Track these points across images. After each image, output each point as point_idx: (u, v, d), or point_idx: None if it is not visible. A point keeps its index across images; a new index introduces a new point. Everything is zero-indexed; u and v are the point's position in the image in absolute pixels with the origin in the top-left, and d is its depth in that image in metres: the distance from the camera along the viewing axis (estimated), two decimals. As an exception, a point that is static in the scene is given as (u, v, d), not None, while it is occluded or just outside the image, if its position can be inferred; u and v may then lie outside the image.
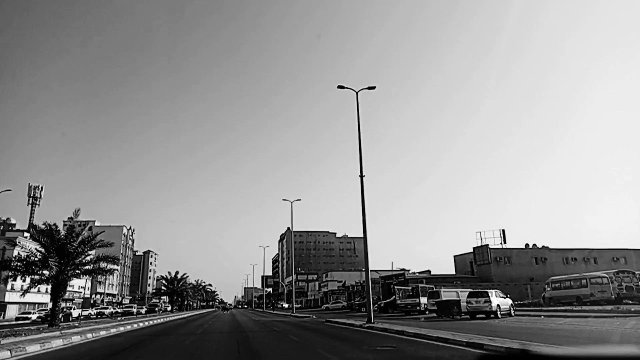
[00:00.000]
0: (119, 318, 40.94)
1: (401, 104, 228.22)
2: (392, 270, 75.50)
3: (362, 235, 22.90)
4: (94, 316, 53.77)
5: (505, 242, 59.68)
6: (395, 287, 41.90)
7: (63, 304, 70.92)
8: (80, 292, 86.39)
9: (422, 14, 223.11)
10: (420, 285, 38.97)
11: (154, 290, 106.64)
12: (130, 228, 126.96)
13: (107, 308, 61.28)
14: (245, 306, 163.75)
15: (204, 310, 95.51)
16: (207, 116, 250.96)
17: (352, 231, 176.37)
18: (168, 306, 79.45)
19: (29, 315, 42.35)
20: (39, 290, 60.35)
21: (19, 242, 32.93)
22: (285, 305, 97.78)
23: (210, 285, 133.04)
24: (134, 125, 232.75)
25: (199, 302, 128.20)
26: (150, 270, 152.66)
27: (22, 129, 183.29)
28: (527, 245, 63.76)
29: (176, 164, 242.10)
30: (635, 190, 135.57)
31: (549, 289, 40.94)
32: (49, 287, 24.87)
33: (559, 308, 32.07)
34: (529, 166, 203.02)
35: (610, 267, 52.69)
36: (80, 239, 23.67)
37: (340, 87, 24.56)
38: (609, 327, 16.56)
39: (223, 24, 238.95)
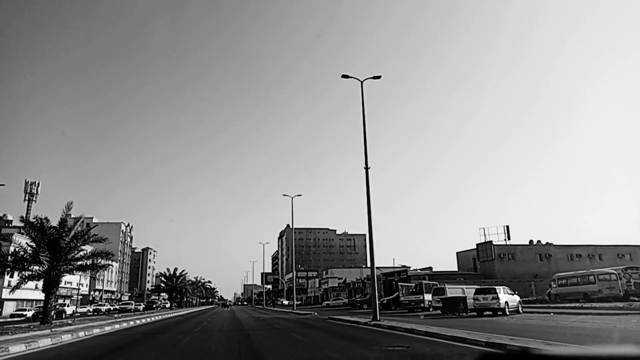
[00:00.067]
0: (115, 315, 40.08)
1: (401, 102, 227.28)
2: (393, 267, 74.72)
3: (362, 232, 22.32)
4: (91, 313, 52.94)
5: (509, 239, 58.95)
6: (399, 283, 41.03)
7: (60, 301, 70.49)
8: (79, 289, 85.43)
9: (422, 13, 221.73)
10: (424, 281, 38.08)
11: (153, 287, 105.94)
12: (128, 225, 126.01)
13: (104, 305, 60.34)
14: (245, 303, 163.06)
15: (204, 307, 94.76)
16: (206, 116, 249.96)
17: (352, 228, 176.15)
18: (167, 303, 78.70)
19: (24, 313, 41.45)
20: (36, 287, 59.38)
21: (14, 239, 32.00)
22: (285, 302, 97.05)
23: (209, 282, 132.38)
24: (134, 124, 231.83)
25: (198, 299, 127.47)
26: (150, 267, 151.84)
27: (22, 128, 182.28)
28: (531, 241, 62.91)
29: (176, 163, 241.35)
30: (635, 190, 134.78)
31: (554, 285, 40.20)
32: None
33: (567, 305, 31.28)
34: (529, 165, 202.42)
35: (615, 264, 51.95)
36: (72, 233, 22.69)
37: (344, 76, 23.64)
38: (627, 325, 15.75)
39: (223, 24, 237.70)
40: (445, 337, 12.45)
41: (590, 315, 21.69)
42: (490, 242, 59.07)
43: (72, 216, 24.79)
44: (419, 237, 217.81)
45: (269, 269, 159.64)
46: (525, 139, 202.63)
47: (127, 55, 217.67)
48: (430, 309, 33.91)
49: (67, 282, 74.58)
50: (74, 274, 25.64)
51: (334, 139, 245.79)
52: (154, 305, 69.25)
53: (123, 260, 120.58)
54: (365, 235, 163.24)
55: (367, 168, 22.33)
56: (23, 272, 21.69)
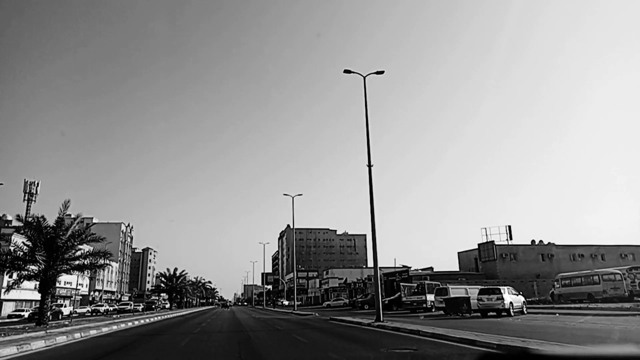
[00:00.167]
0: (114, 316, 39.62)
1: (401, 103, 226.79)
2: (394, 267, 74.24)
3: (362, 233, 21.78)
4: (89, 314, 52.39)
5: (511, 239, 58.54)
6: (401, 283, 40.56)
7: (60, 301, 69.96)
8: (79, 289, 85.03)
9: (423, 13, 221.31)
10: (426, 282, 37.60)
11: (153, 288, 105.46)
12: (128, 225, 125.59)
13: (102, 305, 59.83)
14: (245, 303, 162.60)
15: (204, 308, 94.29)
16: (206, 116, 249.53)
17: (353, 228, 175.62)
18: (166, 304, 78.23)
19: (22, 313, 40.95)
20: (35, 287, 58.94)
21: (13, 239, 31.51)
22: (286, 303, 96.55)
23: (209, 282, 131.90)
24: (134, 124, 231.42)
25: (198, 300, 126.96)
26: (150, 268, 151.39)
27: (22, 128, 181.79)
28: (533, 241, 62.46)
29: (176, 163, 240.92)
30: (635, 190, 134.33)
31: (558, 285, 39.80)
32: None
33: (572, 306, 30.83)
34: (529, 165, 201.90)
35: (618, 264, 51.53)
36: (70, 232, 22.20)
37: (347, 71, 23.17)
38: (638, 327, 15.35)
39: (223, 24, 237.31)
40: (454, 339, 11.99)
41: (598, 316, 21.27)
42: (492, 242, 58.66)
43: (72, 216, 24.30)
44: (419, 238, 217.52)
45: (269, 269, 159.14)
46: (526, 138, 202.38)
47: (127, 55, 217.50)
48: (433, 310, 33.47)
49: (67, 283, 74.16)
50: (71, 274, 25.18)
51: (333, 139, 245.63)
52: (153, 306, 68.78)
53: (123, 260, 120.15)
54: (365, 235, 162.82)
55: (370, 166, 21.89)
56: (19, 272, 21.17)
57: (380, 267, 69.75)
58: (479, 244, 60.75)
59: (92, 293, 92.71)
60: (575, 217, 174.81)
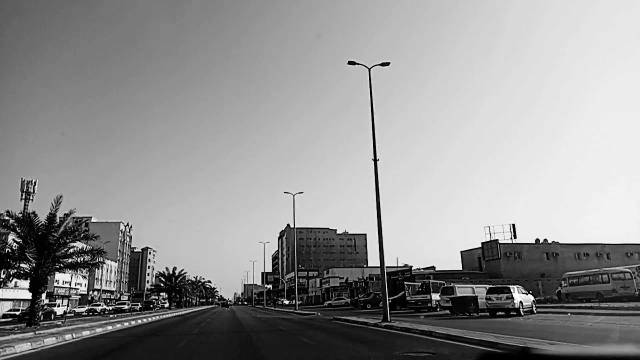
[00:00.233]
0: (110, 316, 38.73)
1: (401, 102, 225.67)
2: (396, 267, 73.40)
3: (363, 232, 20.86)
4: (85, 314, 51.44)
5: (515, 237, 57.66)
6: (405, 282, 39.66)
7: (58, 301, 68.98)
8: (77, 289, 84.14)
9: (423, 12, 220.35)
10: (431, 280, 36.73)
11: (152, 287, 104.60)
12: (127, 224, 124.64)
13: (99, 305, 58.85)
14: (245, 303, 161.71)
15: (203, 307, 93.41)
16: (206, 115, 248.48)
17: (353, 228, 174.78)
18: (165, 303, 77.31)
19: (16, 313, 40.00)
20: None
21: (9, 239, 30.51)
22: (286, 302, 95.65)
23: (209, 281, 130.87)
24: (134, 124, 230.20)
25: (198, 299, 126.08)
26: (149, 267, 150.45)
27: (22, 128, 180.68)
28: (537, 240, 61.63)
29: (176, 163, 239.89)
30: (635, 190, 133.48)
31: (565, 284, 39.05)
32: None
33: (582, 305, 30.03)
34: (529, 165, 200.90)
35: (624, 263, 50.81)
36: (62, 229, 21.28)
37: (351, 62, 22.24)
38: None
39: (223, 24, 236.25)
40: (471, 340, 11.07)
41: (613, 316, 20.42)
42: (496, 240, 57.84)
43: (65, 212, 23.37)
44: (419, 237, 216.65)
45: (269, 269, 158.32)
46: (526, 138, 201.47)
47: (127, 55, 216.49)
48: (438, 309, 32.68)
49: (66, 282, 73.29)
50: (64, 272, 24.21)
51: (333, 138, 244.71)
52: (152, 305, 67.82)
53: (122, 260, 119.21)
54: (365, 235, 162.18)
55: (375, 160, 21.00)
56: (7, 271, 20.18)
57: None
58: (482, 243, 59.94)
59: (91, 292, 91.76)
60: (575, 217, 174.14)
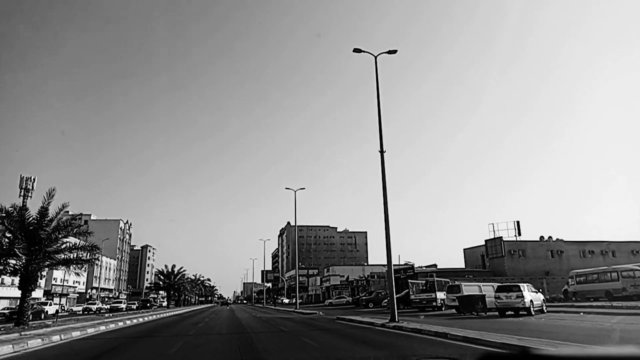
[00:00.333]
0: (106, 315, 37.75)
1: (401, 100, 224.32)
2: (398, 265, 72.47)
3: (363, 230, 20.08)
4: (80, 312, 50.41)
5: (520, 235, 56.77)
6: (409, 281, 38.68)
7: (56, 299, 67.99)
8: (75, 287, 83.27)
9: (425, 9, 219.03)
10: (436, 279, 35.76)
11: (151, 285, 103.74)
12: (127, 222, 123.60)
13: (94, 303, 57.79)
14: (245, 301, 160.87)
15: (203, 306, 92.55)
16: (205, 113, 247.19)
17: (353, 226, 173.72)
18: (164, 301, 76.35)
19: (6, 312, 38.90)
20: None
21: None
22: (286, 301, 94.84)
23: (209, 280, 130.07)
24: (133, 121, 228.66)
25: (197, 298, 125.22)
26: (148, 265, 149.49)
27: (21, 125, 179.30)
28: (542, 237, 60.67)
29: (176, 160, 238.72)
30: (635, 190, 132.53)
31: (572, 282, 38.18)
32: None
33: (594, 304, 29.16)
34: (528, 164, 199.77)
35: (629, 260, 49.98)
36: (54, 223, 20.26)
37: (357, 50, 21.22)
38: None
39: (223, 19, 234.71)
40: (494, 344, 10.05)
41: (631, 316, 19.52)
42: (500, 238, 56.99)
43: (67, 210, 22.31)
44: (419, 235, 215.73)
45: (269, 267, 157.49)
46: (528, 135, 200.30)
47: (126, 52, 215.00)
48: (443, 309, 31.78)
49: (64, 280, 72.30)
50: (57, 269, 23.17)
51: (333, 136, 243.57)
52: (149, 304, 66.75)
53: (121, 257, 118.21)
54: (366, 232, 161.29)
55: (382, 152, 20.03)
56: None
57: (383, 265, 67.78)
58: (486, 240, 59.11)
59: (89, 291, 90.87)
60: (575, 215, 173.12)
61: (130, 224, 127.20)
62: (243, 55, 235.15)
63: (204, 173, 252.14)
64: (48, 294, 67.76)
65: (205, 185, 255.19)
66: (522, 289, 23.30)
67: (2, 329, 17.19)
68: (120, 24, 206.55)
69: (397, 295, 40.08)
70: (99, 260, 28.01)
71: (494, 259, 57.75)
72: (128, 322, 24.85)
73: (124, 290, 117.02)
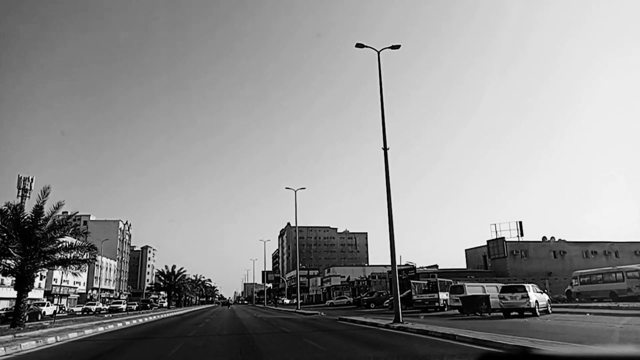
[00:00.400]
0: (105, 316, 37.36)
1: (400, 99, 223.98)
2: (400, 265, 72.09)
3: (364, 231, 19.55)
4: (80, 313, 49.99)
5: (522, 235, 56.41)
6: (411, 281, 38.30)
7: (57, 300, 67.51)
8: (76, 288, 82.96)
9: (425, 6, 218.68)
10: (438, 279, 35.40)
11: (152, 286, 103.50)
12: (126, 223, 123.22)
13: (94, 304, 57.38)
14: (246, 302, 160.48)
15: (203, 306, 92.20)
16: (205, 114, 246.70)
17: (353, 227, 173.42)
18: (164, 302, 75.92)
19: (2, 313, 38.42)
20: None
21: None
22: (287, 301, 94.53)
23: (209, 280, 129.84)
24: (133, 121, 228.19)
25: (198, 298, 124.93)
26: (149, 266, 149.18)
27: (20, 125, 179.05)
28: (544, 238, 60.31)
29: (175, 160, 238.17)
30: (635, 190, 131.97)
31: (576, 283, 37.81)
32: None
33: (599, 305, 28.73)
34: (526, 166, 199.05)
35: (633, 261, 49.62)
36: (50, 222, 19.87)
37: (359, 45, 20.84)
38: None
39: (223, 19, 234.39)
40: (505, 346, 9.64)
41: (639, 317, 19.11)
42: (503, 238, 56.66)
43: (63, 209, 21.90)
44: (419, 236, 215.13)
45: (269, 267, 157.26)
46: (527, 135, 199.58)
47: (126, 52, 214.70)
48: (445, 309, 31.43)
49: (64, 281, 71.94)
50: (54, 269, 22.76)
51: (333, 137, 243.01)
52: (149, 305, 66.33)
53: (122, 258, 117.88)
54: (366, 233, 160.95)
55: (385, 149, 19.62)
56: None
57: (384, 265, 67.14)
58: (488, 241, 58.81)
59: (89, 291, 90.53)
60: (574, 216, 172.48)
61: (130, 225, 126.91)
62: (243, 55, 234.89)
63: (204, 173, 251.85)
64: (48, 294, 67.41)
65: (205, 185, 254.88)
66: (527, 289, 22.97)
67: (-1, 330, 16.82)
68: (120, 23, 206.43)
69: (400, 296, 39.94)
70: (96, 260, 27.53)
71: (496, 259, 57.43)
72: (127, 322, 24.48)
73: (124, 291, 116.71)
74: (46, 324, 21.67)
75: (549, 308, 25.13)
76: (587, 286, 36.51)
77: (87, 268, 34.70)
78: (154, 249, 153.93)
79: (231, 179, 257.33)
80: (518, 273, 53.02)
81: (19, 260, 18.79)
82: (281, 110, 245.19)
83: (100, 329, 19.16)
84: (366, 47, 20.94)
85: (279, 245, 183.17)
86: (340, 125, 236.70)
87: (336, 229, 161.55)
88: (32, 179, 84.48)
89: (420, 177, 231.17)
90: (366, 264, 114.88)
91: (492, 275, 54.13)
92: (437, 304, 32.44)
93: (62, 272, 23.87)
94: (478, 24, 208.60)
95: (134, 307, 59.96)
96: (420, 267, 65.24)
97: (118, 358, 10.96)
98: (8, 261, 18.88)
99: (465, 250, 67.02)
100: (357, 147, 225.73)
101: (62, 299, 76.54)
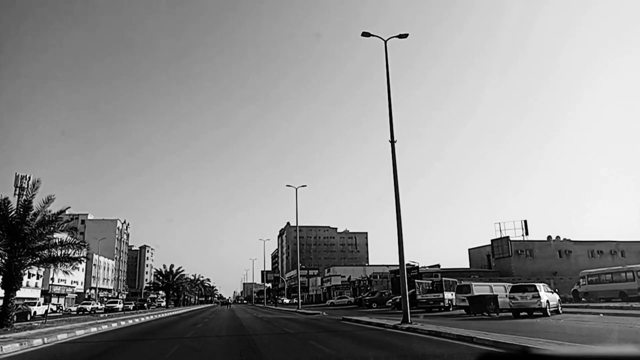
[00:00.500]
0: (100, 315, 36.42)
1: (400, 98, 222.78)
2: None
3: (364, 231, 18.66)
4: (75, 313, 49.06)
5: (527, 234, 55.67)
6: (415, 280, 37.43)
7: (60, 300, 66.42)
8: (74, 287, 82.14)
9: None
10: (443, 278, 34.54)
11: (150, 285, 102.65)
12: (124, 222, 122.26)
13: (89, 303, 56.40)
14: (245, 301, 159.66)
15: (202, 306, 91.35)
16: (204, 111, 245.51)
17: (353, 226, 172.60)
18: (162, 302, 74.96)
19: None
20: (27, 285, 55.68)
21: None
22: (286, 301, 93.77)
23: (208, 280, 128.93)
24: (131, 120, 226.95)
25: (197, 298, 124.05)
26: (147, 266, 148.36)
27: (18, 123, 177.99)
28: (549, 237, 59.51)
29: (174, 159, 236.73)
30: (635, 190, 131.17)
31: (584, 282, 37.00)
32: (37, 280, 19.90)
33: (610, 305, 27.90)
34: (526, 166, 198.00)
35: (638, 261, 48.82)
36: (39, 218, 18.92)
37: (365, 34, 19.96)
38: None
39: (223, 17, 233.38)
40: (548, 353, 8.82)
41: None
42: (507, 237, 55.91)
43: (54, 204, 20.95)
44: (421, 235, 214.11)
45: (269, 267, 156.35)
46: (526, 135, 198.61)
47: (125, 49, 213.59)
48: (450, 309, 30.58)
49: (62, 280, 71.13)
50: (44, 267, 21.82)
51: (333, 137, 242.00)
52: (145, 304, 65.33)
53: (120, 258, 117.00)
54: (366, 233, 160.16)
55: (393, 141, 18.72)
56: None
57: (384, 265, 66.26)
58: (492, 240, 58.09)
59: (87, 291, 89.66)
60: (575, 216, 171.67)
61: (128, 224, 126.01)
62: (243, 54, 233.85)
63: (203, 172, 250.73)
64: (46, 293, 66.57)
65: (204, 184, 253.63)
66: (538, 289, 22.14)
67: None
68: (119, 21, 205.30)
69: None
70: (89, 258, 26.58)
71: (500, 258, 56.71)
72: (123, 323, 23.58)
73: (123, 290, 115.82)
74: (36, 324, 20.75)
75: (560, 308, 24.33)
76: (596, 286, 35.74)
77: (80, 267, 33.63)
78: (152, 249, 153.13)
79: (230, 178, 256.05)
80: (522, 273, 52.26)
81: (5, 258, 17.84)
82: (281, 109, 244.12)
83: (93, 330, 18.25)
84: (373, 36, 20.06)
85: (278, 245, 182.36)
86: (340, 125, 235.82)
87: (336, 228, 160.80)
88: (29, 177, 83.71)
89: (421, 177, 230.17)
90: (366, 264, 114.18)
91: (496, 274, 53.42)
92: (442, 303, 31.57)
93: (53, 270, 22.86)
94: (478, 23, 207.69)
95: (131, 306, 58.94)
96: (422, 267, 64.44)
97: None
98: (-6, 259, 17.95)
99: (469, 249, 66.37)
100: (357, 147, 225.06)
101: (60, 299, 75.76)
